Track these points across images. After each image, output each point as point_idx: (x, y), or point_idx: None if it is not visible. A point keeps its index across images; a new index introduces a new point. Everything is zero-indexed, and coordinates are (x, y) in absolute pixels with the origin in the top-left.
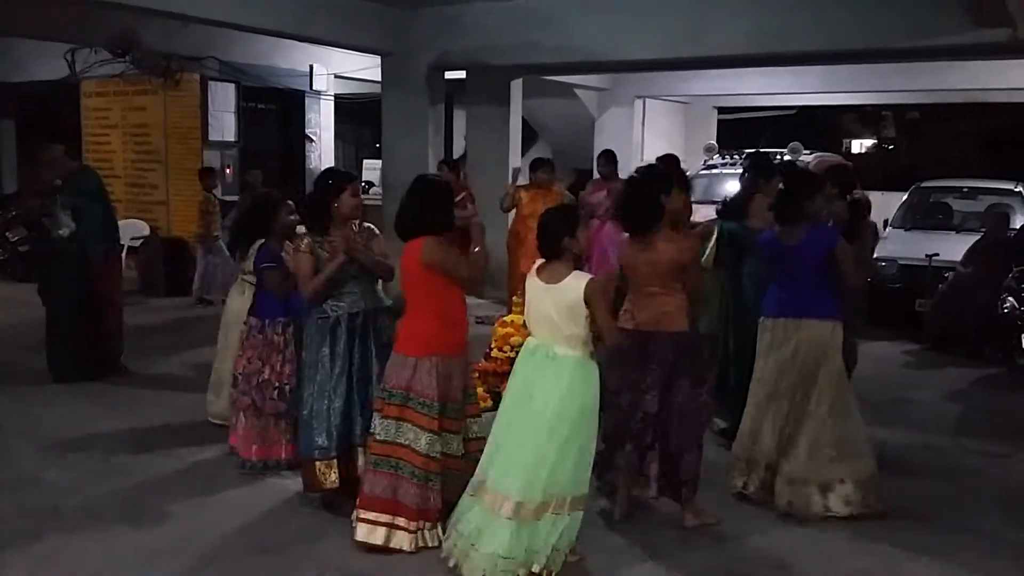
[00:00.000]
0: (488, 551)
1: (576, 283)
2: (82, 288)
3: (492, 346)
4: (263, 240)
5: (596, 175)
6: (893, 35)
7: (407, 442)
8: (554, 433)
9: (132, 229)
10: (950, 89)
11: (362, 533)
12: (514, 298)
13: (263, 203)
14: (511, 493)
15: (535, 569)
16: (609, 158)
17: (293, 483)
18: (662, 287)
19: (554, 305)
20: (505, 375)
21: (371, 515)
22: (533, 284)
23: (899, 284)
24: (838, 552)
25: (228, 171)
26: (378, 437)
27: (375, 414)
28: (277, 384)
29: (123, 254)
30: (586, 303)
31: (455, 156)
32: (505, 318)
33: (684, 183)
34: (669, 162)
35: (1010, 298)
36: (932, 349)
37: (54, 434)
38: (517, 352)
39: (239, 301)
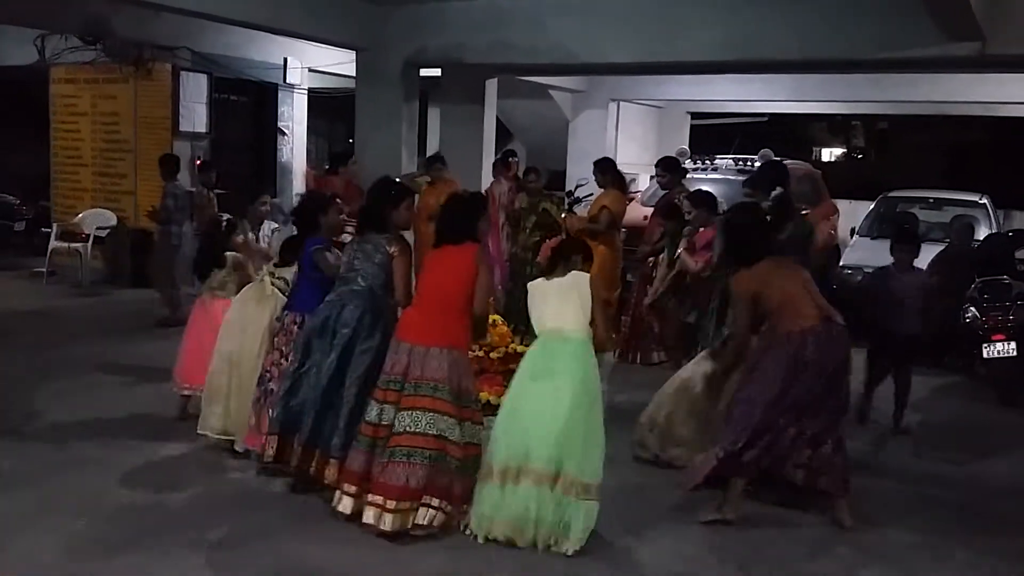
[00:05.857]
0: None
1: (582, 277)
2: None
3: None
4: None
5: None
6: (865, 46)
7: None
8: (575, 408)
9: (99, 219)
10: (919, 101)
11: None
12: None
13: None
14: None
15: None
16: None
17: (258, 480)
18: None
19: (564, 295)
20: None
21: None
22: (540, 287)
23: None
24: (793, 554)
25: (198, 163)
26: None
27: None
28: None
29: (88, 243)
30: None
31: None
32: None
33: (622, 185)
34: (606, 164)
35: (972, 308)
36: None
37: (7, 424)
38: (486, 351)
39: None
